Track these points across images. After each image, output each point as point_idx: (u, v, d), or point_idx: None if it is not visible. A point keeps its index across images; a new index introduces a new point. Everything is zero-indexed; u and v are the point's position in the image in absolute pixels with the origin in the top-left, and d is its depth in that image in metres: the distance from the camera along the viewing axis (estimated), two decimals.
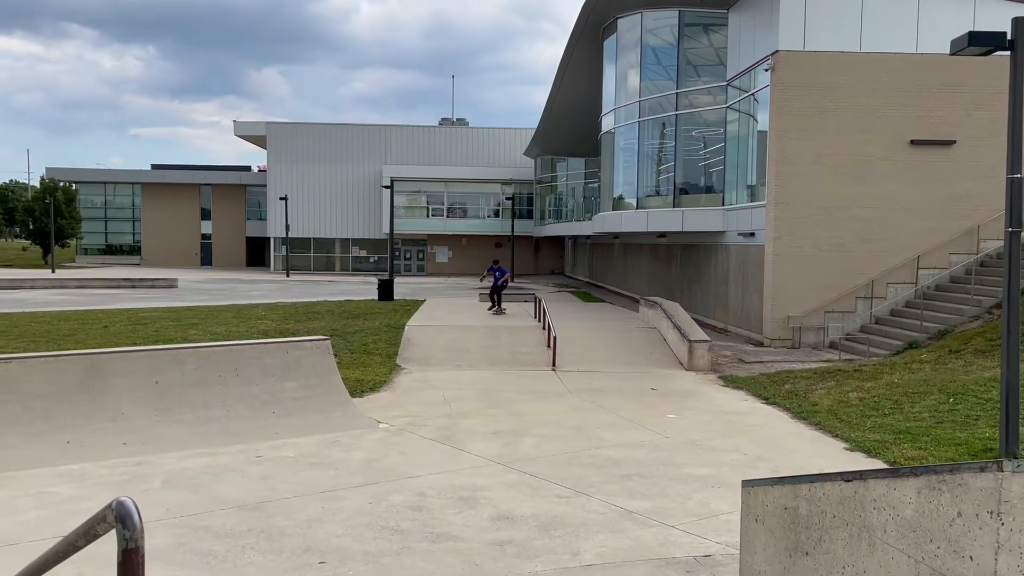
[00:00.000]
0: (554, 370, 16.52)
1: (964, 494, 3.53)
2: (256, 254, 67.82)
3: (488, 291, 24.86)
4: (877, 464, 9.23)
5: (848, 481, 4.32)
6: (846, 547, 4.30)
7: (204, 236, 68.28)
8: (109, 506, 2.01)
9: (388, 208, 41.10)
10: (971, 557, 3.48)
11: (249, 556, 6.24)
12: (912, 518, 3.82)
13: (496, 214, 58.46)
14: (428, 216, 58.17)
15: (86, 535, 2.30)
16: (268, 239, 60.15)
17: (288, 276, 51.96)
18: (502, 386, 14.73)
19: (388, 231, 39.22)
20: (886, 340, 18.29)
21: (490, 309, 23.88)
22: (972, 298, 18.02)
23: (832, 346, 19.48)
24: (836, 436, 10.62)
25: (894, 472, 4.01)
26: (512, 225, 52.15)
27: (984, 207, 19.75)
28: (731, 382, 15.33)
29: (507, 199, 55.35)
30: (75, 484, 8.12)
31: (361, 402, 12.54)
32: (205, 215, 68.19)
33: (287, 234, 55.02)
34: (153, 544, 6.43)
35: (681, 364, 17.24)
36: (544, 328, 19.24)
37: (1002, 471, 3.37)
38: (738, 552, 5.62)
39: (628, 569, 6.08)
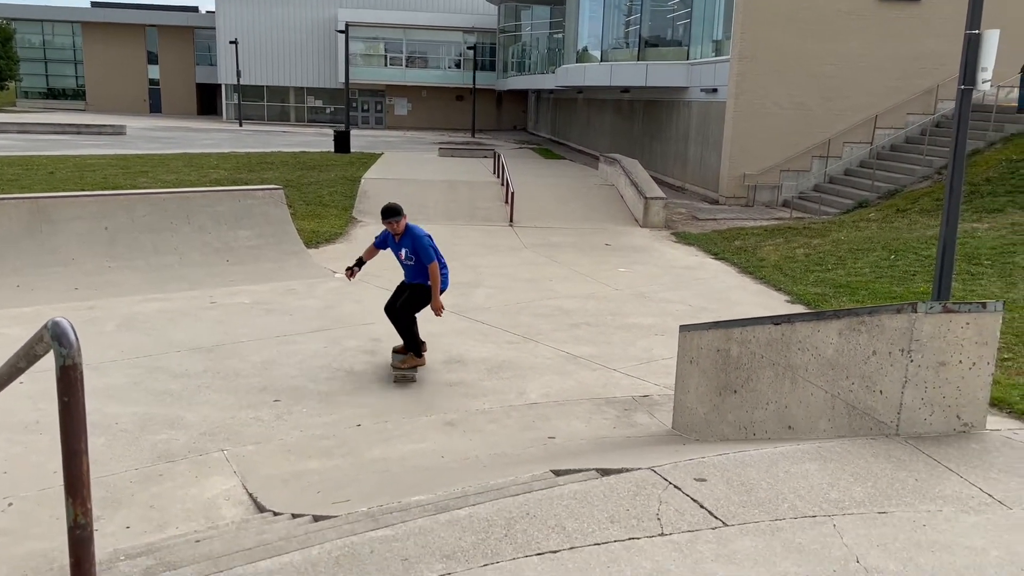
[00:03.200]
0: (511, 225, 16.61)
1: (880, 334, 3.75)
2: (207, 102, 65.33)
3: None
4: None
5: (777, 324, 4.54)
6: (771, 385, 4.58)
7: (152, 82, 65.32)
8: (45, 326, 2.06)
9: (344, 56, 39.54)
10: (881, 391, 3.74)
11: (205, 395, 6.42)
12: (832, 357, 4.06)
13: (457, 65, 56.59)
14: (386, 65, 56.09)
15: (27, 356, 2.36)
16: (219, 86, 57.78)
17: (241, 125, 50.40)
18: (459, 240, 14.81)
19: (344, 80, 37.86)
20: (838, 199, 18.61)
21: (398, 370, 7.13)
22: (924, 159, 18.26)
23: (785, 204, 19.78)
24: (779, 289, 10.99)
25: (819, 315, 4.22)
26: (474, 77, 50.65)
27: (946, 66, 19.65)
28: (683, 238, 15.59)
29: (469, 48, 53.48)
30: (26, 326, 8.15)
31: (316, 252, 12.56)
32: (152, 59, 64.95)
33: (239, 81, 52.89)
34: (109, 383, 6.57)
35: (636, 221, 17.43)
36: (503, 184, 19.17)
37: (916, 312, 3.57)
38: (673, 392, 5.93)
39: (571, 407, 6.41)
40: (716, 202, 20.62)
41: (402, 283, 7.48)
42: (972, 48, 8.19)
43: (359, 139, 36.57)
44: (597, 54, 28.10)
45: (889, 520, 2.90)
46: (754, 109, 19.94)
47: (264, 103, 57.57)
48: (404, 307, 7.19)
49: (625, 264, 12.94)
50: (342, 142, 29.23)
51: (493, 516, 2.84)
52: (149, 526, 4.34)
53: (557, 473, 3.73)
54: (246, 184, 18.06)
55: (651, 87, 24.91)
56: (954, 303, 3.61)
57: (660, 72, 24.23)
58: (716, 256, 13.69)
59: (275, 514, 4.20)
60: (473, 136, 47.48)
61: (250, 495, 4.71)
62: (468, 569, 2.50)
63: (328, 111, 57.76)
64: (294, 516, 3.95)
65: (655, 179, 19.66)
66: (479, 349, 8.05)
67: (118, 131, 38.36)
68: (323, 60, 56.32)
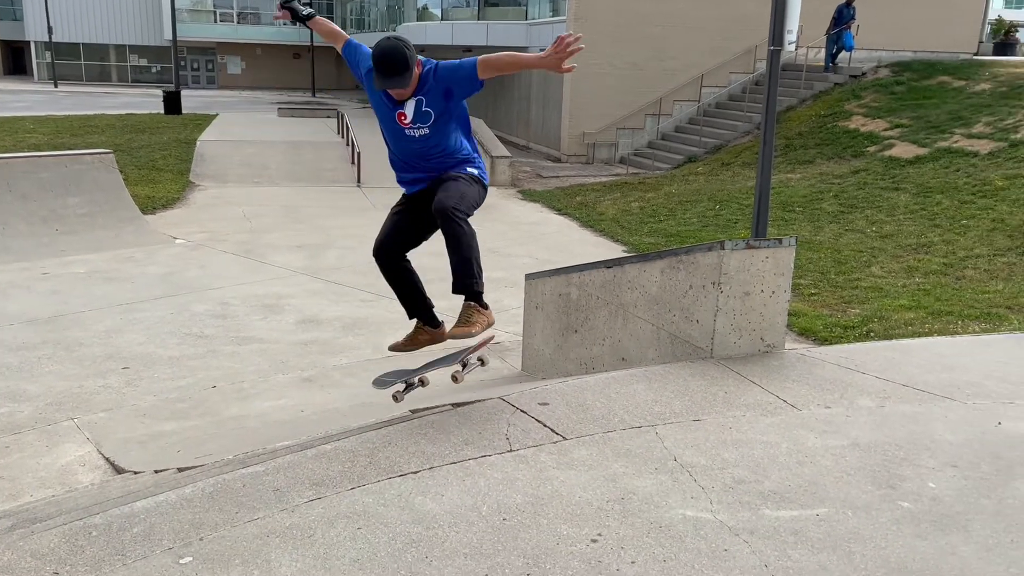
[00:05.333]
0: (359, 186, 16.53)
1: (696, 270, 4.24)
2: (15, 61, 59.62)
3: None
4: None
5: (609, 267, 4.99)
6: (606, 323, 5.03)
7: None
8: None
9: (169, 10, 37.25)
10: (698, 320, 4.25)
11: (47, 366, 6.21)
12: (656, 294, 4.54)
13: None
14: (216, 21, 53.22)
15: None
16: (27, 43, 52.88)
17: (56, 87, 46.53)
18: (305, 202, 14.63)
19: (171, 37, 35.69)
20: (669, 155, 19.72)
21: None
22: (745, 115, 19.62)
23: (622, 161, 20.73)
24: (617, 241, 11.70)
25: (644, 257, 4.70)
26: (311, 34, 48.98)
27: (762, 28, 21.01)
28: (529, 196, 16.11)
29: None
30: None
31: (154, 219, 12.10)
32: None
33: (50, 38, 48.63)
34: None
35: None
36: (348, 144, 18.97)
37: (724, 249, 4.08)
38: (522, 337, 6.33)
39: (426, 356, 6.66)
40: (559, 160, 21.30)
41: (407, 199, 4.05)
42: (779, 12, 8.97)
43: (191, 100, 34.73)
44: (438, 12, 28.05)
45: (702, 426, 3.38)
46: (590, 69, 20.64)
47: (82, 62, 53.29)
48: (452, 202, 3.70)
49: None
50: (173, 103, 27.74)
51: (357, 447, 3.08)
52: (0, 496, 4.27)
53: (415, 412, 4.01)
54: (70, 149, 16.94)
55: (492, 46, 25.16)
56: (755, 240, 4.15)
57: (500, 32, 24.54)
58: (559, 212, 14.29)
59: (136, 473, 4.25)
60: (314, 95, 46.17)
61: (107, 459, 4.69)
62: (337, 493, 2.74)
63: (154, 70, 54.26)
64: (156, 472, 4.03)
65: (501, 139, 20.08)
66: (333, 308, 8.16)
67: None
68: (146, 15, 52.70)
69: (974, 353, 4.59)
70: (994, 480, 3.01)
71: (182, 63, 52.71)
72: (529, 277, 6.03)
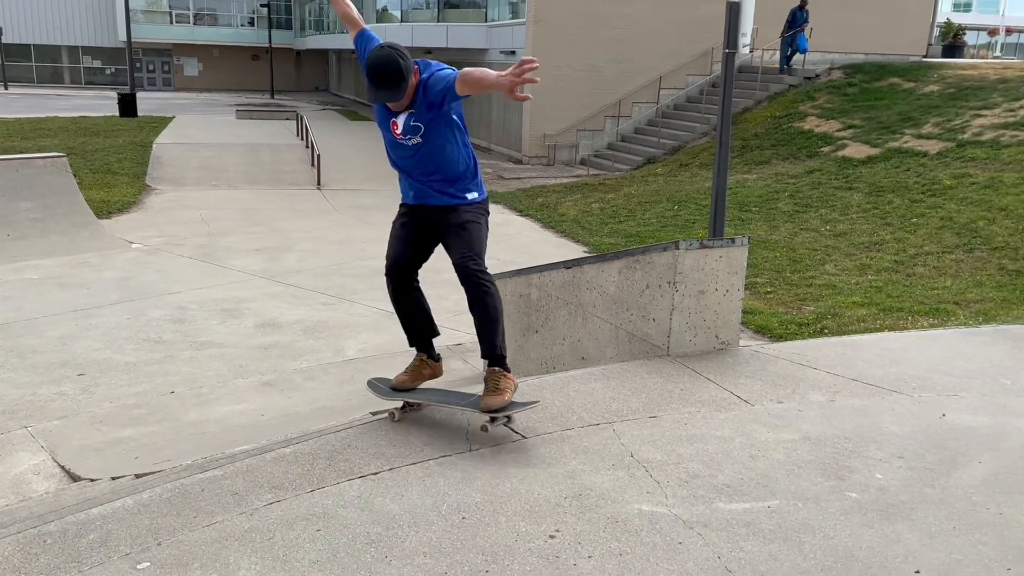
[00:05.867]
0: (319, 189, 16.43)
1: (652, 270, 4.32)
2: None
3: None
4: None
5: (568, 268, 5.05)
6: (566, 322, 5.09)
7: None
8: None
9: (123, 11, 36.61)
10: (654, 319, 4.32)
11: None
12: (615, 293, 4.60)
13: (251, 22, 53.90)
14: (172, 23, 52.41)
15: None
16: None
17: (7, 88, 45.47)
18: (264, 205, 14.51)
19: (125, 38, 35.06)
20: (629, 156, 19.89)
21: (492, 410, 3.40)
22: (703, 116, 19.87)
23: (583, 163, 20.86)
24: (578, 241, 11.79)
25: (602, 257, 4.76)
26: (269, 36, 48.52)
27: (719, 30, 21.31)
28: (490, 197, 16.13)
29: (262, 5, 51.09)
30: None
31: (109, 223, 11.92)
32: None
33: (0, 39, 47.50)
34: None
35: None
36: (308, 147, 18.85)
37: (678, 249, 4.16)
38: None
39: (388, 360, 6.67)
40: (520, 162, 21.37)
41: (409, 209, 3.83)
42: (733, 16, 9.11)
43: (146, 102, 34.17)
44: (397, 14, 27.95)
45: (658, 423, 3.44)
46: (550, 71, 20.74)
47: (32, 64, 52.12)
48: (474, 264, 3.44)
49: None
50: (128, 106, 27.29)
51: (317, 450, 3.09)
52: None
53: (375, 414, 4.02)
54: (20, 152, 16.59)
55: (453, 48, 25.17)
56: (709, 240, 4.23)
57: (460, 34, 24.54)
58: (521, 213, 14.35)
59: (92, 480, 4.19)
60: (272, 97, 45.71)
61: (62, 467, 4.62)
62: (296, 496, 2.75)
63: (108, 72, 53.26)
64: (113, 479, 3.98)
65: None
66: (293, 311, 8.12)
67: None
68: (99, 16, 51.74)
69: (921, 348, 4.73)
70: (938, 470, 3.12)
71: (137, 65, 51.81)
72: None
